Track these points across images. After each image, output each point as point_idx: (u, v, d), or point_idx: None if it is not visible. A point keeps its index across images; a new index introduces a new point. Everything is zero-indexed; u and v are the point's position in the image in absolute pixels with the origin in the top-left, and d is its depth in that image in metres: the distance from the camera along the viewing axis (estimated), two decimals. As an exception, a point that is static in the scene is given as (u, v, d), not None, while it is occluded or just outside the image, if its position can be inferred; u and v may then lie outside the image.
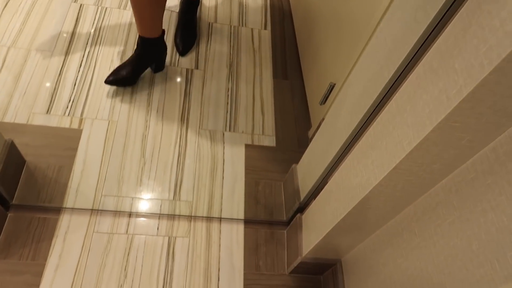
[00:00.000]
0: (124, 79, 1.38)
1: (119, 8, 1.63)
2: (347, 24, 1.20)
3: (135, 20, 1.27)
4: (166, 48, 1.43)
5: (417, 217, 0.77)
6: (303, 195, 1.17)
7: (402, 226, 0.82)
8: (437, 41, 0.57)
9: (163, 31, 1.35)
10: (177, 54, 1.56)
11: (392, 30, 0.71)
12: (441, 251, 0.68)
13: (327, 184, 0.98)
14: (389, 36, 0.72)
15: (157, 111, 1.40)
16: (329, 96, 1.31)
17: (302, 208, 1.19)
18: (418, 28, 0.64)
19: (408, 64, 0.67)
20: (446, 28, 0.56)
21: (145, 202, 1.21)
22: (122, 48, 1.51)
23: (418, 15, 0.64)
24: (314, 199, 1.08)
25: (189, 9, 1.56)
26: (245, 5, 1.80)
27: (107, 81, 1.36)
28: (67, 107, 1.33)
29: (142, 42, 1.32)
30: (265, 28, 1.74)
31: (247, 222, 1.25)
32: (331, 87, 1.28)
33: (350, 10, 1.20)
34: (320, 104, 1.37)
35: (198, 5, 1.58)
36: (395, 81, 0.71)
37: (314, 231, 1.03)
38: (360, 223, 0.89)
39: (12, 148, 1.10)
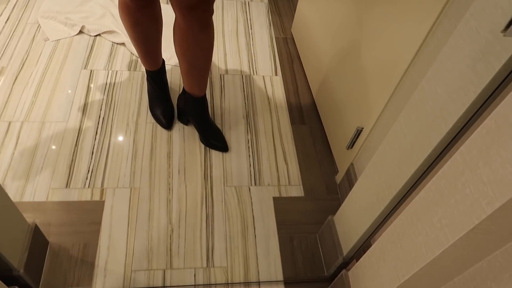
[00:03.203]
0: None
1: (129, 70, 1.61)
2: (370, 68, 1.18)
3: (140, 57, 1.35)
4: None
5: (494, 275, 0.70)
6: (346, 249, 1.10)
7: (475, 284, 0.75)
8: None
9: (163, 61, 1.43)
10: (192, 110, 1.52)
11: (445, 80, 0.68)
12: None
13: (378, 240, 0.91)
14: (441, 86, 0.69)
15: (178, 172, 1.34)
16: (357, 141, 1.27)
17: (346, 263, 1.12)
18: (479, 81, 0.60)
19: (472, 117, 0.63)
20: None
21: (178, 273, 1.14)
22: (136, 109, 1.48)
23: (478, 66, 0.60)
24: (362, 253, 1.01)
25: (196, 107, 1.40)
26: (254, 53, 1.79)
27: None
28: (87, 178, 1.28)
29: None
30: (276, 74, 1.73)
31: (287, 283, 1.18)
32: (359, 132, 1.24)
33: (371, 53, 1.18)
34: (347, 149, 1.32)
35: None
36: (456, 135, 0.66)
37: (369, 291, 0.95)
38: (424, 282, 0.82)
39: (36, 231, 1.03)
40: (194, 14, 1.05)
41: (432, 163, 0.74)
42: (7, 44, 1.62)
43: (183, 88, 1.35)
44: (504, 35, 0.56)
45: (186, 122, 1.48)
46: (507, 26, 0.55)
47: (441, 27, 0.86)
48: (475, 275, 0.76)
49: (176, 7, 1.04)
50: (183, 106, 1.41)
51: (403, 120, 0.81)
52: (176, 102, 1.50)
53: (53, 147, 1.34)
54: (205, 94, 1.35)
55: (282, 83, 1.70)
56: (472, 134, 0.61)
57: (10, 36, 1.65)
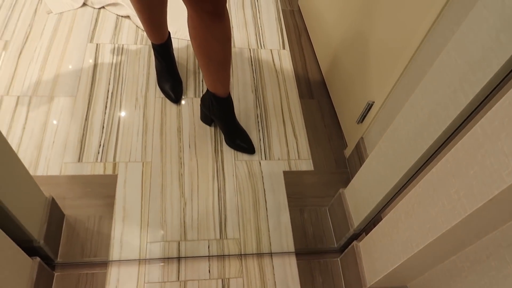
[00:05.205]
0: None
1: (136, 43, 1.59)
2: (382, 41, 1.17)
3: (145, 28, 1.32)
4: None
5: (508, 243, 0.72)
6: (357, 222, 1.12)
7: (487, 253, 0.77)
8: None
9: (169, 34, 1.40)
10: (201, 85, 1.52)
11: (466, 51, 0.67)
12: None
13: (392, 211, 0.93)
14: (462, 57, 0.69)
15: (189, 147, 1.35)
16: (368, 115, 1.27)
17: (357, 235, 1.14)
18: (503, 51, 0.60)
19: (495, 88, 0.63)
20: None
21: (192, 244, 1.16)
22: (144, 83, 1.47)
23: (502, 37, 0.60)
24: (372, 226, 1.04)
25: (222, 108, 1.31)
26: (260, 26, 1.77)
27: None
28: (99, 153, 1.29)
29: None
30: (284, 48, 1.71)
31: (299, 254, 1.20)
32: (369, 106, 1.24)
33: (383, 25, 1.16)
34: (357, 123, 1.33)
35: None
36: (477, 106, 0.67)
37: (381, 261, 0.98)
38: (437, 252, 0.84)
39: (53, 204, 1.05)
40: (203, 4, 0.95)
41: (449, 136, 0.74)
42: (9, 17, 1.59)
43: (207, 88, 1.26)
44: (532, 6, 0.55)
45: (210, 123, 1.41)
46: (537, -4, 0.54)
47: (460, -2, 0.85)
48: (487, 244, 0.78)
49: None
50: (208, 108, 1.32)
51: (421, 92, 0.81)
52: (179, 76, 1.48)
53: (63, 121, 1.34)
54: (230, 94, 1.26)
55: (290, 57, 1.69)
56: (494, 106, 0.62)
57: (11, 8, 1.62)
